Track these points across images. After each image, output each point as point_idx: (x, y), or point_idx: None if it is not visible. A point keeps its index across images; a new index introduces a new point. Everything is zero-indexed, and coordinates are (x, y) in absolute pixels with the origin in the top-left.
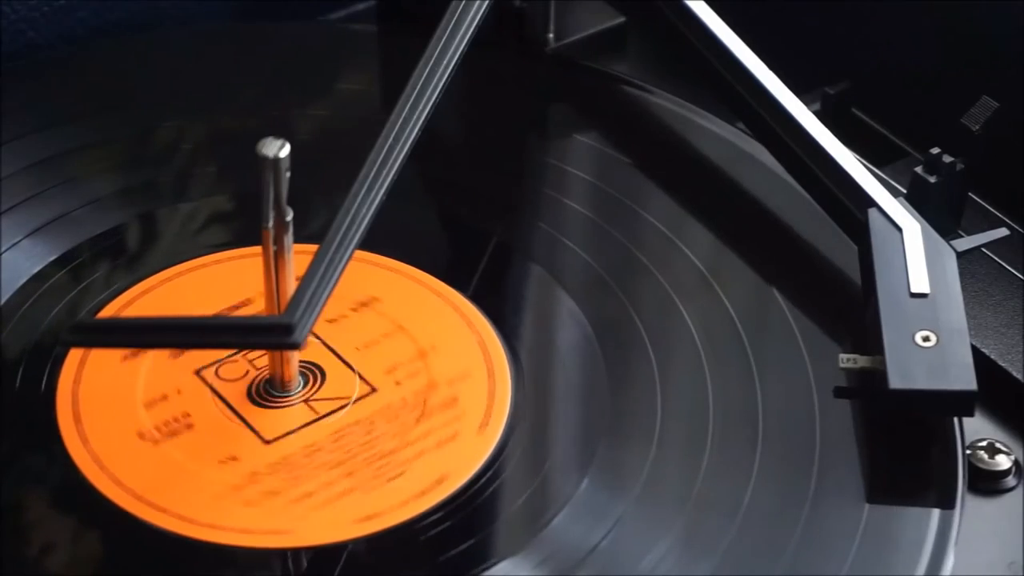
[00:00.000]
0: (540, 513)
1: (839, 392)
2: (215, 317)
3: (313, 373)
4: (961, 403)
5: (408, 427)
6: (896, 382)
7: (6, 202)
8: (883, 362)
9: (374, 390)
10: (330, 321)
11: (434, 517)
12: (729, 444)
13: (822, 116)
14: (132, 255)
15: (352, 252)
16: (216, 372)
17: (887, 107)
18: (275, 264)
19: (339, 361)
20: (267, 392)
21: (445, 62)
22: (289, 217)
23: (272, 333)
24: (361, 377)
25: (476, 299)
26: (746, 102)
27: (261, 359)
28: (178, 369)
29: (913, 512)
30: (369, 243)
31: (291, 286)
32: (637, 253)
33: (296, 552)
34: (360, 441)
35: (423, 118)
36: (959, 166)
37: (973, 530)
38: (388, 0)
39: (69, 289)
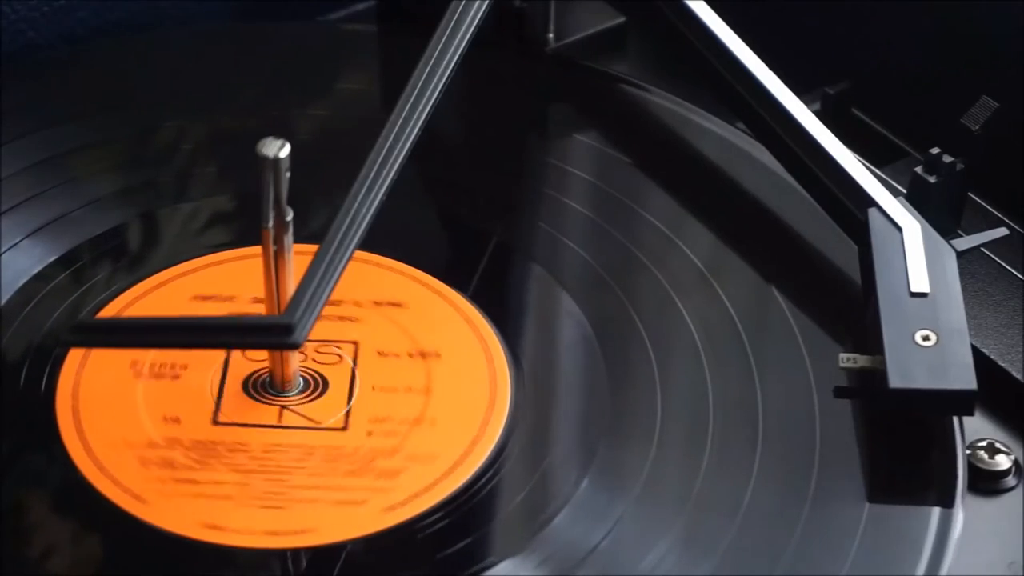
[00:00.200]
0: (540, 513)
1: (839, 392)
2: (215, 317)
3: (316, 383)
4: (961, 403)
5: (330, 475)
6: (896, 381)
7: (6, 202)
8: (883, 362)
9: (344, 428)
10: (381, 354)
11: (434, 517)
12: (729, 444)
13: (822, 116)
14: (132, 255)
15: (352, 252)
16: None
17: (887, 107)
18: (275, 264)
19: (347, 387)
20: (264, 389)
21: (445, 62)
22: (289, 217)
23: (272, 333)
24: (347, 413)
25: (476, 299)
26: (746, 102)
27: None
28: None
29: (913, 512)
30: (369, 243)
31: (291, 286)
32: (637, 253)
33: (296, 552)
34: (282, 463)
35: (423, 118)
36: (959, 166)
37: (973, 530)
38: (388, 0)
39: (69, 289)
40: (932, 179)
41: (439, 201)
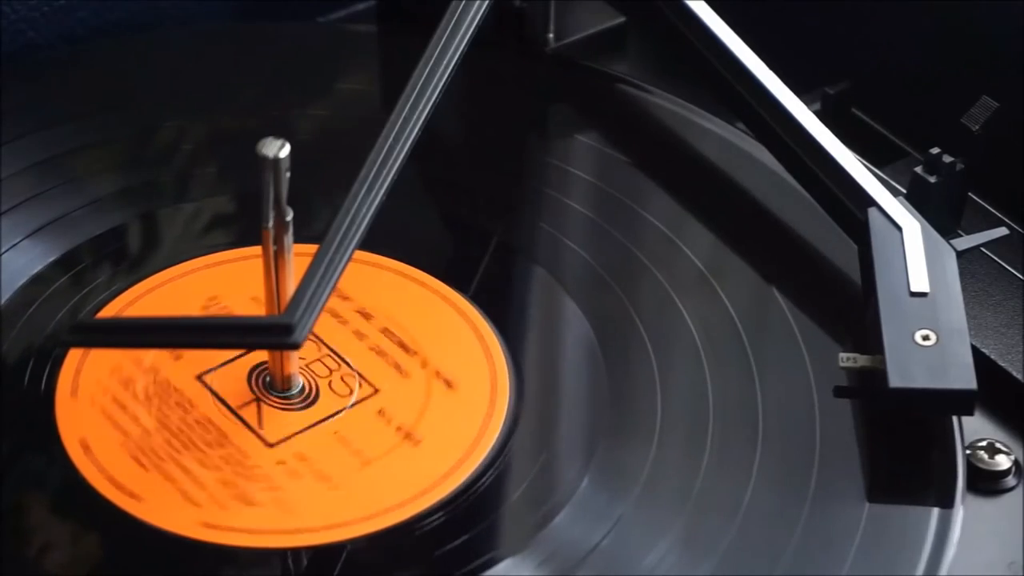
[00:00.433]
0: (540, 513)
1: (839, 392)
2: (215, 317)
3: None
4: (961, 402)
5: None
6: (896, 381)
7: (6, 202)
8: (883, 361)
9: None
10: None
11: (434, 516)
12: (729, 444)
13: (822, 116)
14: (132, 255)
15: (352, 252)
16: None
17: (887, 107)
18: (275, 264)
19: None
20: (266, 391)
21: (445, 62)
22: (289, 217)
23: (272, 333)
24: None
25: (476, 299)
26: (746, 102)
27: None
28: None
29: (913, 512)
30: (369, 243)
31: (291, 286)
32: (637, 253)
33: (296, 552)
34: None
35: (423, 118)
36: (959, 166)
37: (973, 530)
38: (388, 0)
39: (69, 290)
40: (932, 179)
41: (439, 201)
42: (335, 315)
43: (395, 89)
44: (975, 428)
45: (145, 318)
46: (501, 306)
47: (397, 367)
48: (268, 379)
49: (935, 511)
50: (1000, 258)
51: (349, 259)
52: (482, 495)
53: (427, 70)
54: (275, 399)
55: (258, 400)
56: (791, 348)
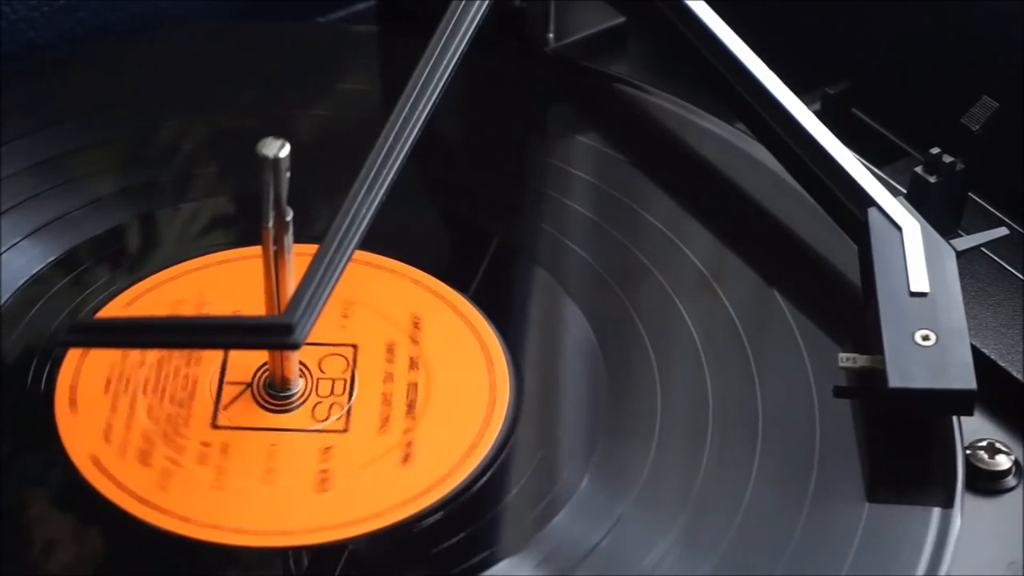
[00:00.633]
0: (540, 513)
1: (839, 392)
2: (215, 317)
3: (310, 373)
4: (960, 402)
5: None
6: (895, 381)
7: (6, 202)
8: (883, 361)
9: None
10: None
11: (434, 516)
12: (729, 444)
13: (822, 116)
14: (132, 255)
15: (352, 252)
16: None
17: (887, 107)
18: (275, 264)
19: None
20: (265, 392)
21: (445, 62)
22: (289, 217)
23: (272, 333)
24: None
25: (476, 300)
26: (746, 102)
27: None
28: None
29: (913, 512)
30: (369, 243)
31: (291, 286)
32: (637, 253)
33: (296, 552)
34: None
35: (423, 118)
36: (959, 166)
37: (973, 530)
38: (388, 0)
39: (69, 289)
40: (932, 179)
41: (439, 201)
42: (389, 351)
43: (395, 89)
44: (975, 428)
45: (145, 318)
46: (501, 306)
47: (385, 421)
48: (268, 379)
49: (935, 511)
50: (1000, 258)
51: (349, 259)
52: (482, 495)
53: (427, 70)
54: (263, 394)
55: (249, 386)
56: (791, 348)
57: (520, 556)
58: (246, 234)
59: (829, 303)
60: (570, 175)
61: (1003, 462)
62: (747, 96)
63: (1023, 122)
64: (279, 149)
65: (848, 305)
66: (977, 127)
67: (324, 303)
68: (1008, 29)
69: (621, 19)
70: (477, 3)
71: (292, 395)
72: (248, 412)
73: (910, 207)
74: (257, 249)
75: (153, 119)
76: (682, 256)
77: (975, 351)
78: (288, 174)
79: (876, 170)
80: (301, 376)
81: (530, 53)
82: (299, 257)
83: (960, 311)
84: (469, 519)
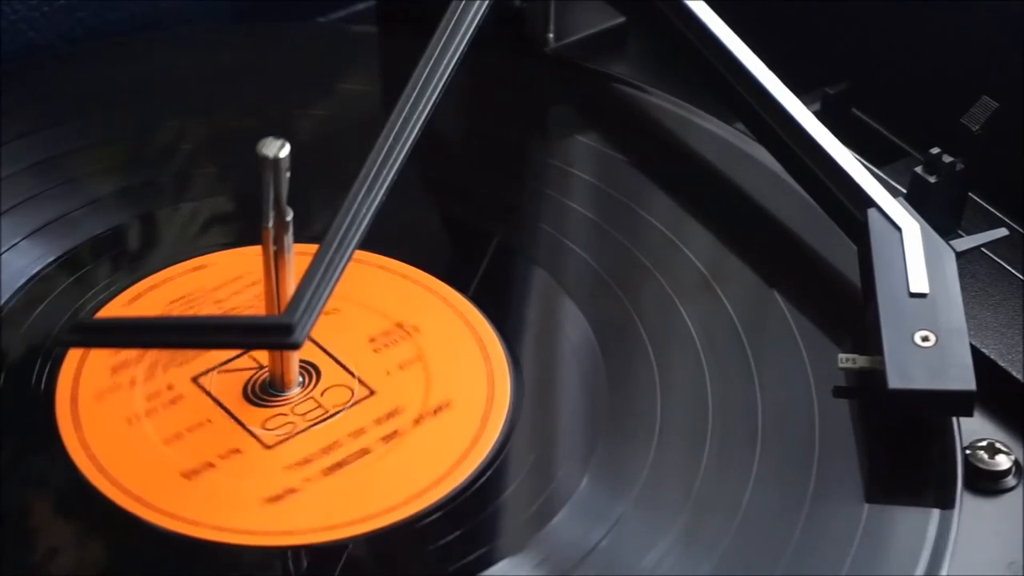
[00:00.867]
0: (539, 512)
1: (838, 392)
2: (215, 317)
3: (310, 373)
4: (960, 403)
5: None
6: (895, 382)
7: (6, 202)
8: (882, 362)
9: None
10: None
11: (433, 516)
12: (729, 444)
13: (822, 116)
14: (132, 255)
15: (352, 252)
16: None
17: (887, 107)
18: (275, 264)
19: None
20: (264, 392)
21: (445, 62)
22: (289, 217)
23: (272, 333)
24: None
25: (476, 300)
26: (746, 102)
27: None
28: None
29: (912, 512)
30: (369, 243)
31: (291, 286)
32: (637, 254)
33: (296, 552)
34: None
35: (423, 118)
36: (959, 166)
37: (973, 530)
38: (388, 0)
39: (69, 289)
40: (932, 179)
41: (439, 201)
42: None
43: (395, 89)
44: (975, 428)
45: (145, 318)
46: (501, 306)
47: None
48: (268, 379)
49: (935, 511)
50: (1000, 258)
51: (349, 259)
52: (481, 495)
53: (427, 70)
54: (263, 393)
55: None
56: (791, 349)
57: (519, 556)
58: (246, 234)
59: (829, 303)
60: (570, 175)
61: (1003, 462)
62: (747, 96)
63: (1023, 122)
64: (279, 149)
65: (848, 305)
66: (977, 127)
67: (324, 303)
68: (1008, 29)
69: (621, 19)
70: (477, 3)
71: (292, 395)
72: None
73: (910, 207)
74: (257, 249)
75: (153, 119)
76: (682, 256)
77: (975, 351)
78: (288, 174)
79: (876, 170)
80: (300, 375)
81: (530, 53)
82: (299, 257)
83: (960, 312)
84: (468, 519)
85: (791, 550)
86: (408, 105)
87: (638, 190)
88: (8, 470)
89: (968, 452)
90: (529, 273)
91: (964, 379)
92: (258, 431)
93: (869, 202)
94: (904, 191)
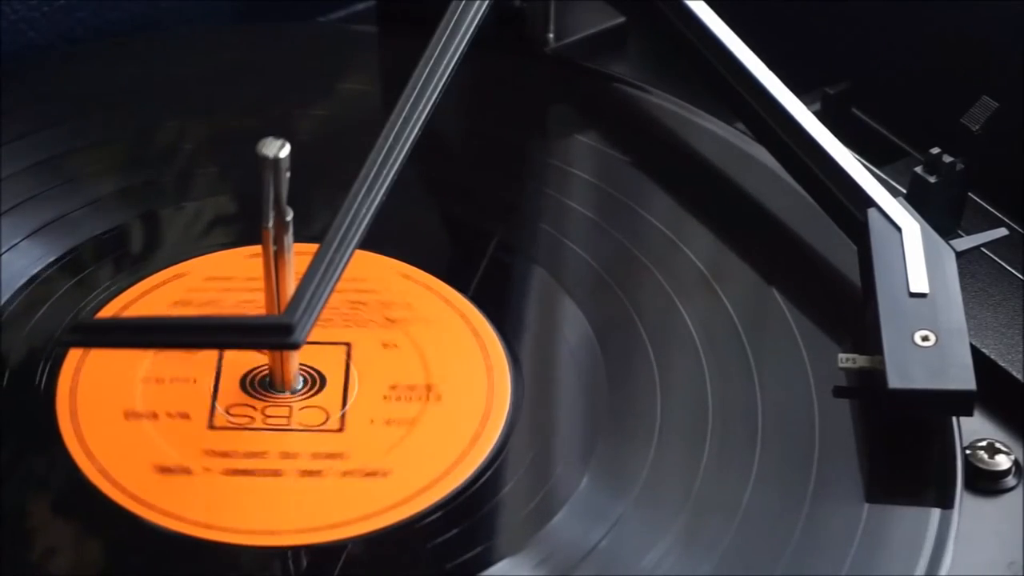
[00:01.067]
0: (539, 512)
1: (838, 392)
2: (215, 317)
3: (314, 383)
4: (960, 403)
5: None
6: (895, 382)
7: (6, 202)
8: (882, 362)
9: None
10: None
11: (433, 516)
12: (729, 444)
13: (822, 116)
14: (132, 255)
15: (352, 252)
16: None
17: (887, 107)
18: (275, 264)
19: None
20: (260, 386)
21: (445, 62)
22: (289, 217)
23: (272, 333)
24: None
25: (476, 299)
26: (746, 102)
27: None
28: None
29: (912, 512)
30: (369, 243)
31: (291, 286)
32: (637, 253)
33: (296, 552)
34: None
35: (423, 118)
36: (959, 166)
37: (972, 530)
38: (388, 0)
39: (69, 290)
40: (932, 179)
41: (439, 201)
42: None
43: (395, 89)
44: (975, 428)
45: (145, 318)
46: (501, 306)
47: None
48: (267, 379)
49: (934, 511)
50: (1000, 258)
51: (349, 259)
52: (481, 495)
53: (427, 70)
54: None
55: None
56: (791, 348)
57: (519, 556)
58: (246, 234)
59: (829, 303)
60: (570, 175)
61: (1003, 462)
62: (747, 96)
63: (1023, 122)
64: (279, 149)
65: (848, 305)
66: (977, 127)
67: (324, 303)
68: (1008, 29)
69: (621, 19)
70: (477, 3)
71: (279, 396)
72: (230, 393)
73: (910, 207)
74: (257, 249)
75: (153, 119)
76: (682, 256)
77: (975, 351)
78: (288, 174)
79: (876, 170)
80: (305, 382)
81: (530, 53)
82: (299, 257)
83: (960, 312)
84: (468, 519)
85: (791, 550)
86: (408, 105)
87: (638, 190)
88: (8, 470)
89: (968, 452)
90: (529, 273)
91: (964, 379)
92: (219, 410)
93: (869, 202)
94: (904, 191)
